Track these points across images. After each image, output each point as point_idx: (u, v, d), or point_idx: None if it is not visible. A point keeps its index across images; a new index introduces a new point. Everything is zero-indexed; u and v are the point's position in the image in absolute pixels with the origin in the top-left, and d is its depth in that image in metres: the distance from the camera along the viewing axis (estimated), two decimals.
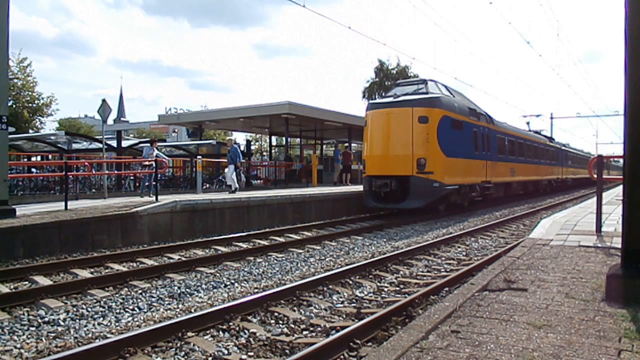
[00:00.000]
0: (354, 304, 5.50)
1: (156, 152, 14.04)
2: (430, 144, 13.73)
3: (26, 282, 6.46)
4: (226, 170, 15.73)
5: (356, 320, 4.71)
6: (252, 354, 4.01)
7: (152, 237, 9.77)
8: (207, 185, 20.70)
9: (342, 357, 3.90)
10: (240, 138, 66.83)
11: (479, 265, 7.02)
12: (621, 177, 3.85)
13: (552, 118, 45.65)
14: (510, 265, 4.78)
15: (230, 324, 4.69)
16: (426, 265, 7.69)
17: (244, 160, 16.58)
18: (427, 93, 14.68)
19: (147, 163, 13.83)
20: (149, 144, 14.96)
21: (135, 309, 5.37)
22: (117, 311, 5.26)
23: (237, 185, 15.15)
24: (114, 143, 20.89)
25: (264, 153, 47.18)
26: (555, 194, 29.12)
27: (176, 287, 6.23)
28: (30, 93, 32.20)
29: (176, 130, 56.19)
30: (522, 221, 13.90)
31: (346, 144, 29.23)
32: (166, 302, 5.62)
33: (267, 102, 23.07)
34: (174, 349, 4.10)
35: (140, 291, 6.05)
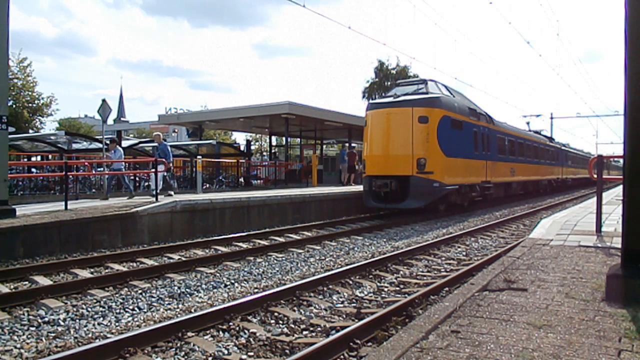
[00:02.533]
0: (354, 304, 5.50)
1: (120, 152, 13.69)
2: (430, 144, 13.73)
3: (26, 282, 6.46)
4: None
5: (356, 320, 4.71)
6: (252, 354, 4.01)
7: (152, 237, 9.77)
8: (207, 185, 20.71)
9: (342, 357, 3.90)
10: (240, 138, 66.82)
11: (479, 265, 7.02)
12: (621, 177, 3.84)
13: (552, 118, 45.72)
14: (510, 265, 4.78)
15: (230, 324, 4.69)
16: (426, 265, 7.69)
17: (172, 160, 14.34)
18: (427, 93, 14.68)
19: (116, 165, 13.61)
20: (112, 146, 14.03)
21: (135, 309, 5.36)
22: (117, 311, 5.26)
23: (156, 191, 12.72)
24: None
25: (264, 153, 47.22)
26: (555, 194, 29.12)
27: (176, 287, 6.23)
28: (30, 93, 32.21)
29: (176, 130, 56.19)
30: (522, 221, 13.90)
31: (353, 145, 29.18)
32: (166, 302, 5.62)
33: (267, 102, 23.10)
34: (174, 349, 4.10)
35: (140, 291, 6.05)
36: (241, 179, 24.11)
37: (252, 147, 42.28)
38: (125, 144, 22.96)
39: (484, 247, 9.46)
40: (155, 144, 13.58)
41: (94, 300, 5.61)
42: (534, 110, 76.85)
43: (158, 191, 12.89)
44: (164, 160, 12.78)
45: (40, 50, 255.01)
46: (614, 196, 14.94)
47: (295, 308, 5.31)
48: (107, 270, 7.24)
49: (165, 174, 13.19)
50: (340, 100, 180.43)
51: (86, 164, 17.11)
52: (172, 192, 13.09)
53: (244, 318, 4.88)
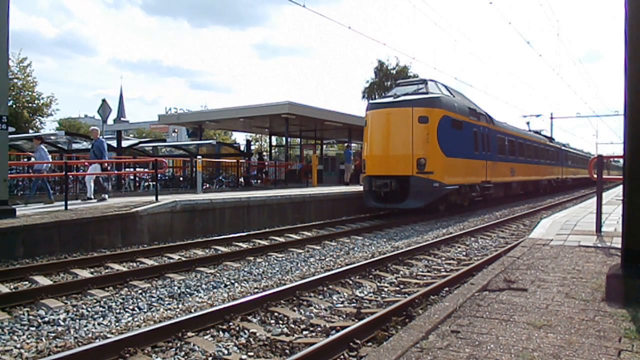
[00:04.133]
0: (354, 304, 5.50)
1: (42, 151, 12.43)
2: (430, 144, 13.73)
3: (26, 282, 6.46)
4: (90, 169, 12.41)
5: (356, 320, 4.71)
6: (252, 354, 4.01)
7: (152, 237, 9.77)
8: (207, 185, 20.72)
9: (342, 357, 3.90)
10: (240, 138, 66.85)
11: (479, 265, 7.02)
12: (621, 177, 3.85)
13: (552, 118, 45.73)
14: (510, 265, 4.78)
15: (230, 324, 4.69)
16: (426, 265, 7.69)
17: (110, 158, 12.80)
18: (427, 93, 14.68)
19: (37, 166, 12.34)
20: (35, 143, 12.55)
21: (135, 309, 5.36)
22: (117, 311, 5.26)
23: (92, 195, 11.80)
24: (114, 143, 20.90)
25: (264, 153, 47.24)
26: (555, 194, 29.12)
27: (176, 287, 6.23)
28: (30, 93, 32.22)
29: (176, 130, 56.17)
30: (522, 221, 13.90)
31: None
32: (166, 302, 5.62)
33: (267, 102, 23.10)
34: (174, 349, 4.10)
35: (140, 291, 6.05)
36: (241, 179, 24.10)
37: (252, 147, 42.26)
38: (125, 143, 22.97)
39: (484, 247, 9.46)
40: (92, 140, 12.35)
41: (94, 300, 5.61)
42: (534, 110, 76.86)
43: (91, 194, 11.66)
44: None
45: (40, 50, 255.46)
46: (614, 196, 14.94)
47: (295, 308, 5.31)
48: (107, 270, 7.24)
49: (102, 176, 12.03)
50: (340, 100, 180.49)
51: (86, 164, 17.11)
52: (105, 196, 11.91)
53: (244, 318, 4.87)
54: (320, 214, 14.07)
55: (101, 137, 12.54)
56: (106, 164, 12.02)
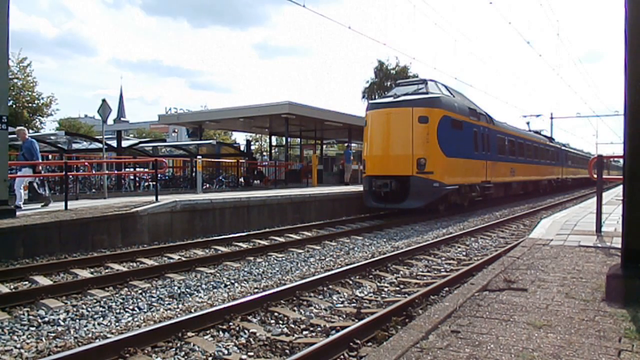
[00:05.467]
0: (354, 304, 5.49)
1: None
2: (430, 144, 13.73)
3: (26, 282, 6.46)
4: (19, 173, 10.84)
5: (356, 320, 4.71)
6: (252, 354, 4.01)
7: (152, 237, 9.76)
8: (207, 185, 20.72)
9: (342, 357, 3.90)
10: (240, 138, 66.81)
11: (479, 265, 7.02)
12: (621, 177, 3.85)
13: (552, 118, 45.73)
14: (510, 265, 4.78)
15: (230, 324, 4.69)
16: (426, 265, 7.69)
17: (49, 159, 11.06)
18: (427, 93, 14.69)
19: None
20: None
21: (135, 309, 5.36)
22: (117, 311, 5.26)
23: (21, 202, 10.37)
24: (114, 143, 20.92)
25: (264, 153, 47.26)
26: (555, 194, 29.12)
27: (176, 287, 6.23)
28: (30, 93, 32.17)
29: (176, 130, 56.17)
30: (522, 221, 13.90)
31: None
32: (166, 302, 5.62)
33: (267, 102, 23.11)
34: (174, 349, 4.10)
35: (140, 291, 6.05)
36: (241, 179, 24.11)
37: (252, 147, 42.27)
38: (125, 143, 22.98)
39: (484, 247, 9.46)
40: (20, 142, 11.08)
41: (94, 300, 5.61)
42: (534, 110, 76.76)
43: (21, 203, 10.34)
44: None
45: (41, 50, 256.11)
46: (614, 196, 14.94)
47: (295, 308, 5.31)
48: (107, 270, 7.24)
49: (35, 179, 10.71)
50: (340, 100, 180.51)
51: (86, 164, 17.12)
52: (19, 204, 10.16)
53: (244, 318, 4.88)
54: (320, 214, 14.06)
55: (30, 137, 11.26)
56: (40, 167, 10.67)
